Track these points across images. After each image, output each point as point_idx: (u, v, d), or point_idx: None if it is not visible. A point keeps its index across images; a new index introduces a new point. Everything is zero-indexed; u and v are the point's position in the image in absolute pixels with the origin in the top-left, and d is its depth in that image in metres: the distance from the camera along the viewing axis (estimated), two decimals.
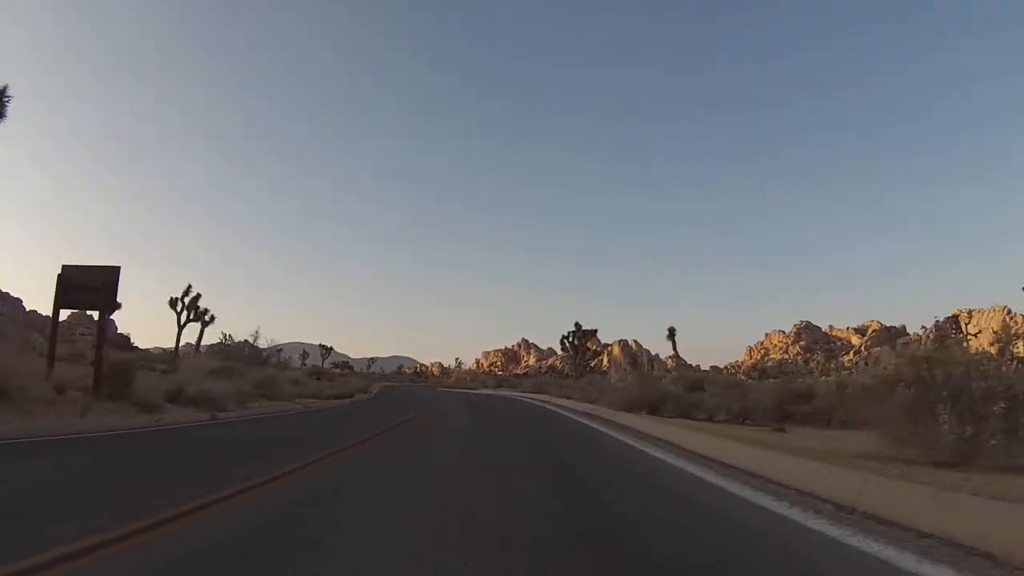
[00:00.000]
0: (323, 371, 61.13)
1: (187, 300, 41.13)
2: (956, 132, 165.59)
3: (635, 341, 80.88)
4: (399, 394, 40.04)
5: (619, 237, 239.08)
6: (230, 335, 47.56)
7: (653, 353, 65.45)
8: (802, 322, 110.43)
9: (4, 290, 51.65)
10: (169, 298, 41.59)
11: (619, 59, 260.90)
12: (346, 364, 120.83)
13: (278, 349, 55.38)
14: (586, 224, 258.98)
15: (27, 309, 53.25)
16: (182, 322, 40.88)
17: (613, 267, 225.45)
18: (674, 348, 41.74)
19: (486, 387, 62.21)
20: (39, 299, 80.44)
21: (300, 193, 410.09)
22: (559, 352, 63.67)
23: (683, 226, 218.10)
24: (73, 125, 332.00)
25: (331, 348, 78.08)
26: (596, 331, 54.41)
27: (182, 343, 42.50)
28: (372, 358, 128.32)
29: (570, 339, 53.59)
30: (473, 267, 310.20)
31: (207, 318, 41.00)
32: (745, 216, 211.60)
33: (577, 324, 52.03)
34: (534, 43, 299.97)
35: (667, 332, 48.97)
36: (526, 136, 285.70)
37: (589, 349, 53.58)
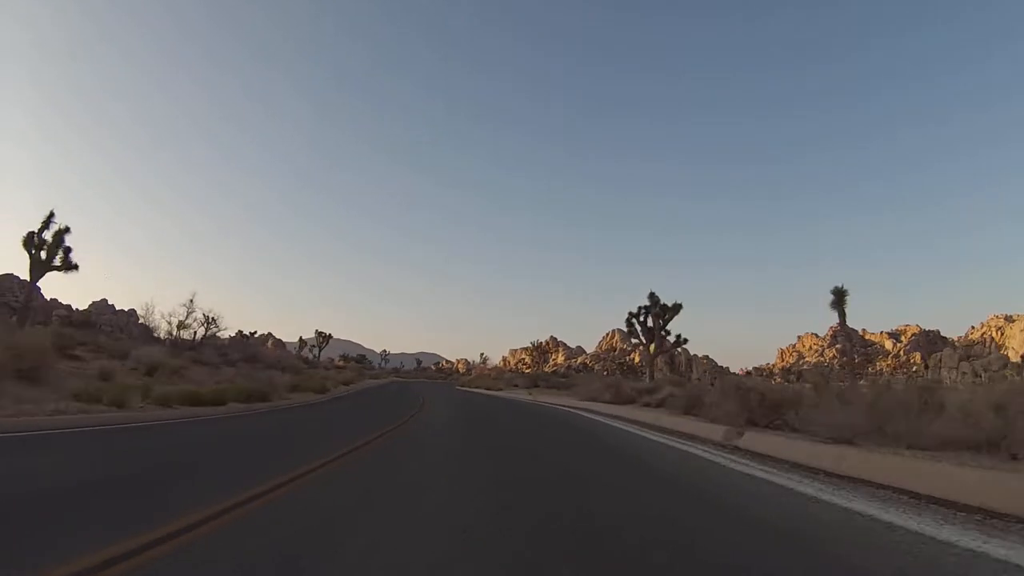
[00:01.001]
0: (305, 362, 60.17)
1: (48, 236, 24.16)
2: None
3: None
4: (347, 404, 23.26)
5: (648, 238, 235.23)
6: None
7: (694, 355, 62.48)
8: (837, 325, 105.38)
9: None
10: (26, 233, 23.95)
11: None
12: (362, 357, 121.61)
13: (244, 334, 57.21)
14: (619, 226, 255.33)
15: None
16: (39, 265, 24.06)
17: (639, 268, 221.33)
18: (841, 317, 21.95)
19: (515, 386, 47.15)
20: None
21: (341, 194, 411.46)
22: (617, 338, 61.33)
23: (712, 230, 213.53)
24: None
25: (329, 335, 73.08)
26: (681, 307, 35.25)
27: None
28: (386, 352, 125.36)
29: (640, 318, 34.40)
30: (503, 266, 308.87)
31: (71, 260, 24.18)
32: (776, 220, 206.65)
33: (653, 296, 34.13)
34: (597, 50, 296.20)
35: (832, 297, 21.62)
36: (579, 139, 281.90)
37: (666, 335, 34.51)
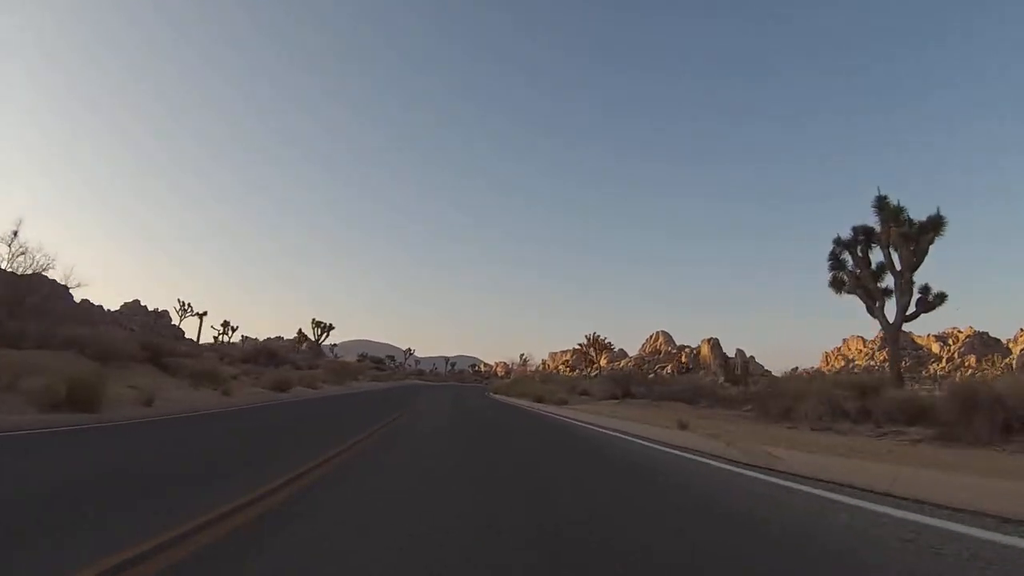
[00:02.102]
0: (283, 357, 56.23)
1: None
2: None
3: (711, 340, 75.29)
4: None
5: (690, 244, 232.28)
6: None
7: (748, 354, 60.69)
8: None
9: None
10: None
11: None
12: (391, 359, 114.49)
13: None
14: (663, 230, 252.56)
15: None
16: None
17: (682, 272, 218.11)
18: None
19: (583, 395, 30.80)
20: None
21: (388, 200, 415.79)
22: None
23: (759, 234, 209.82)
24: None
25: (329, 325, 64.50)
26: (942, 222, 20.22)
27: None
28: (410, 351, 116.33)
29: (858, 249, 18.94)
30: (541, 269, 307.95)
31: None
32: (818, 221, 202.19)
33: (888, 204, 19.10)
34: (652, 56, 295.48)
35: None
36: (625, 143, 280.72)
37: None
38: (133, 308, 66.62)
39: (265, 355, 37.01)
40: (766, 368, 60.97)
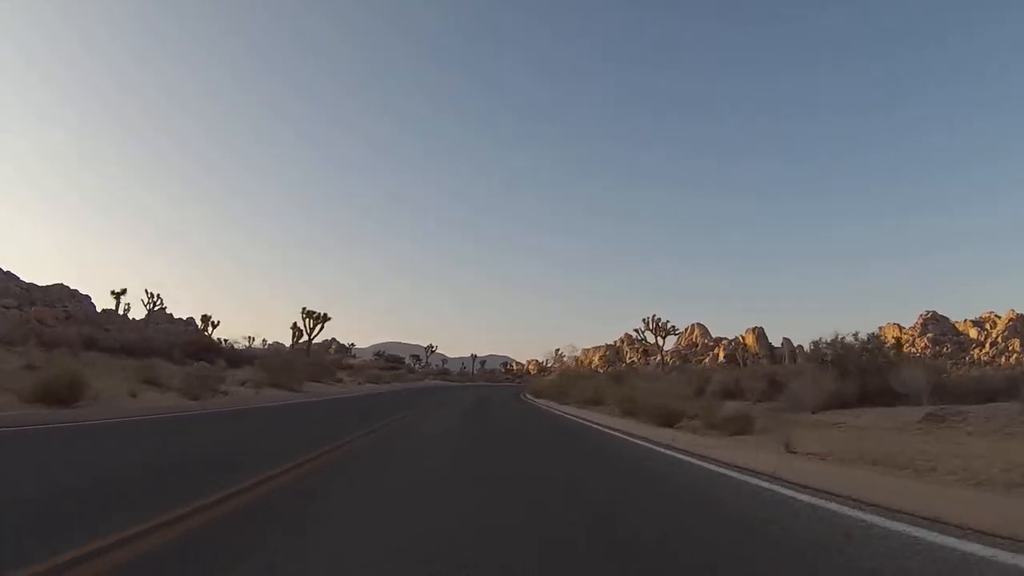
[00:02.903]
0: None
1: None
2: None
3: (755, 329, 72.86)
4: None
5: (711, 235, 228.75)
6: None
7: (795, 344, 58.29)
8: (928, 312, 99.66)
9: None
10: None
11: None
12: (414, 358, 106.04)
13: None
14: (686, 223, 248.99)
15: None
16: None
17: (702, 262, 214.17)
18: None
19: None
20: None
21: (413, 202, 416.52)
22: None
23: (782, 231, 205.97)
24: None
25: (326, 316, 52.46)
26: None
27: None
28: (432, 348, 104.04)
29: None
30: (569, 265, 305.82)
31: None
32: (849, 209, 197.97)
33: None
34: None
35: None
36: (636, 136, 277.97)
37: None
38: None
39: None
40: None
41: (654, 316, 50.21)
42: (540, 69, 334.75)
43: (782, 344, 61.35)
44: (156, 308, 46.26)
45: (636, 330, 51.02)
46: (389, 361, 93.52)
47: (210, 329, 47.87)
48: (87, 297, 43.04)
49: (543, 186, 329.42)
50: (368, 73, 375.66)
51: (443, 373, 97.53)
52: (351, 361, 72.21)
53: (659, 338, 50.33)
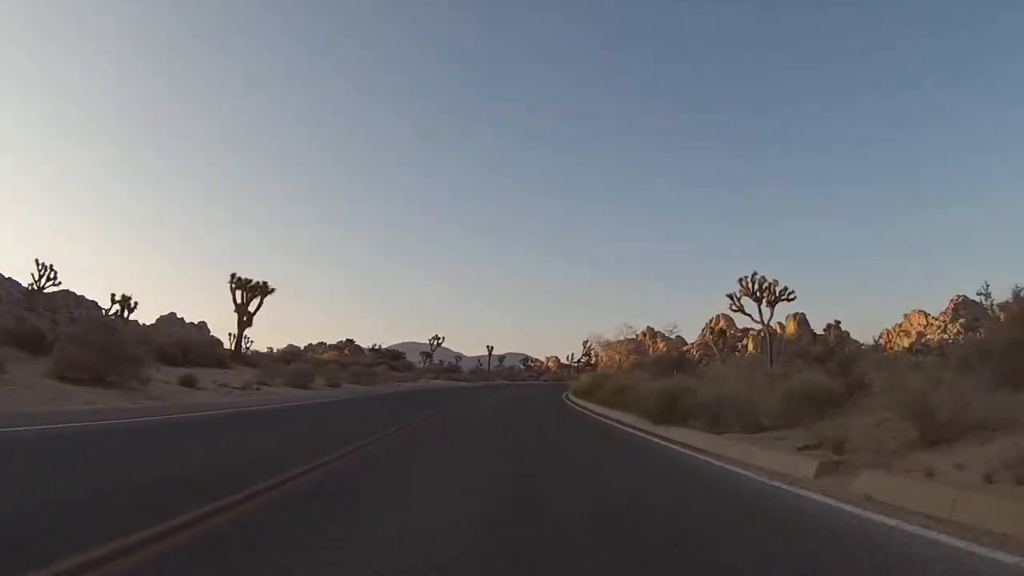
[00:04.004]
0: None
1: None
2: None
3: (796, 315, 66.51)
4: None
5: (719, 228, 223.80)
6: None
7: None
8: (959, 296, 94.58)
9: None
10: None
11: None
12: (426, 356, 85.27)
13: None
14: (699, 216, 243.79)
15: None
16: None
17: (717, 255, 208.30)
18: None
19: None
20: None
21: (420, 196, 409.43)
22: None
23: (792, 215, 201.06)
24: None
25: (266, 285, 41.01)
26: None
27: None
28: (437, 340, 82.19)
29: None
30: (585, 260, 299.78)
31: None
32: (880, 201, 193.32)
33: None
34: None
35: None
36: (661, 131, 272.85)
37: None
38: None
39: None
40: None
41: (754, 274, 34.22)
42: (542, 58, 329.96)
43: (826, 330, 55.98)
44: (48, 283, 37.86)
45: (731, 296, 35.18)
46: (389, 359, 73.88)
47: (126, 312, 39.49)
48: None
49: (561, 181, 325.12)
50: (369, 61, 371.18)
51: (451, 371, 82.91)
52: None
53: (763, 306, 34.05)
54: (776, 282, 34.25)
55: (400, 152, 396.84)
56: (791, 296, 34.16)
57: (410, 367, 77.11)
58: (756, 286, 33.68)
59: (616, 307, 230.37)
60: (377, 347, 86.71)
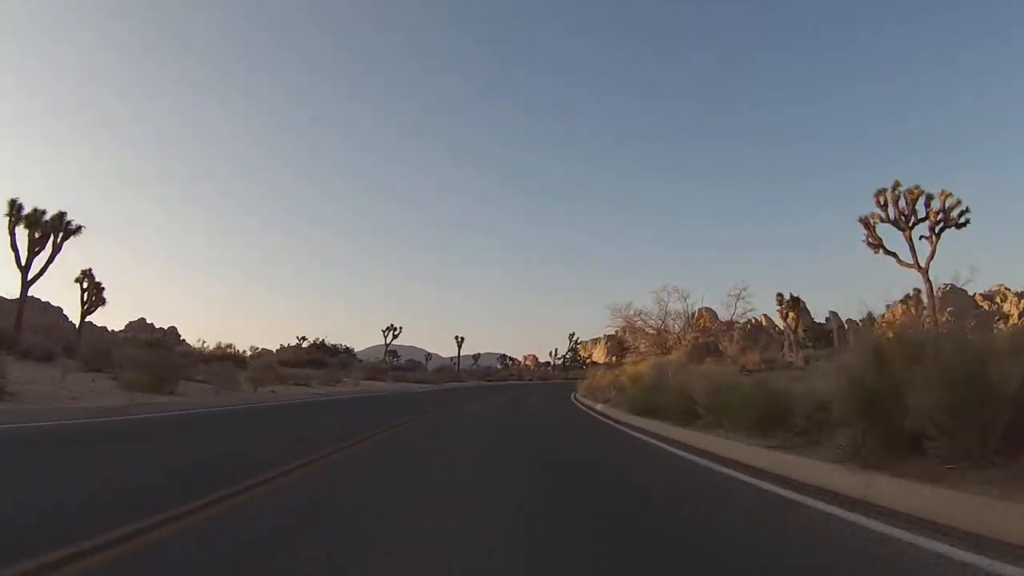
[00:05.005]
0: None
1: None
2: None
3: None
4: None
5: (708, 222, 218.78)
6: None
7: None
8: (946, 285, 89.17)
9: None
10: None
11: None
12: (347, 349, 67.22)
13: None
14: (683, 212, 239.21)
15: None
16: None
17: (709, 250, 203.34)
18: None
19: None
20: None
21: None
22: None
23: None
24: None
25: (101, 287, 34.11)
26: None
27: None
28: (394, 328, 70.12)
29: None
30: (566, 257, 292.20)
31: None
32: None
33: None
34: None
35: None
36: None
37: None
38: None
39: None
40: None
41: (895, 185, 23.71)
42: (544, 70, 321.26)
43: (828, 318, 48.75)
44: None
45: (864, 222, 23.84)
46: (323, 350, 62.44)
47: None
48: None
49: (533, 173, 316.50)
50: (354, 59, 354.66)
51: (403, 369, 69.03)
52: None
53: (914, 235, 23.23)
54: (949, 194, 22.19)
55: (385, 151, 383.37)
56: (964, 219, 22.08)
57: (345, 364, 64.69)
58: (905, 202, 21.92)
59: (597, 304, 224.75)
60: (322, 341, 74.08)
